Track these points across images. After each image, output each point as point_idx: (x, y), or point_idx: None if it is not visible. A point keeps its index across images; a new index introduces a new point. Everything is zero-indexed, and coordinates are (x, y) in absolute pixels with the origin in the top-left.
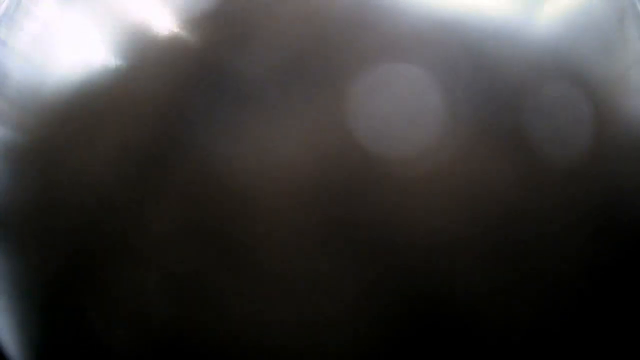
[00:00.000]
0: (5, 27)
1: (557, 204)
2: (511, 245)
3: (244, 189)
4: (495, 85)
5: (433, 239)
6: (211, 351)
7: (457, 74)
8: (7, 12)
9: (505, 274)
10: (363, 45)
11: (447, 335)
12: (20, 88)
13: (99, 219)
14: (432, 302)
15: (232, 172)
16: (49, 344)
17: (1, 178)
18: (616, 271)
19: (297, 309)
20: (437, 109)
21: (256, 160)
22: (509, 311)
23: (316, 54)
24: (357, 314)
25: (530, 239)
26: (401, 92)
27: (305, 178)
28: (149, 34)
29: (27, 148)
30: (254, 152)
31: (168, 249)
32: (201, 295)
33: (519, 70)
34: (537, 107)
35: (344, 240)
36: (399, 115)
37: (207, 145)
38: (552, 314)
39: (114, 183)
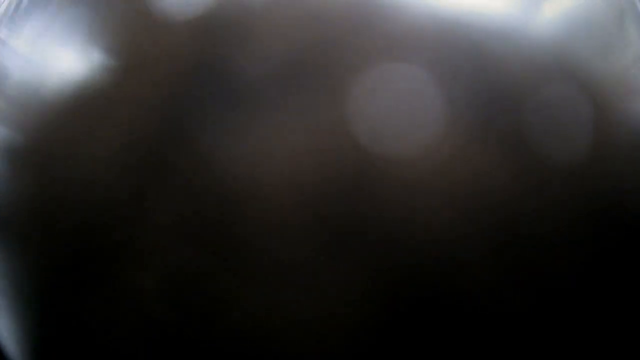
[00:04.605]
0: (5, 27)
1: (557, 203)
2: (511, 243)
3: (244, 189)
4: (496, 85)
5: (433, 237)
6: (211, 350)
7: (457, 74)
8: (7, 12)
9: (505, 272)
10: (363, 45)
11: (448, 333)
12: (20, 88)
13: (98, 218)
14: (432, 300)
15: (232, 172)
16: (48, 343)
17: (1, 178)
18: (616, 269)
19: (298, 308)
20: (437, 109)
21: (256, 160)
22: (508, 308)
23: (316, 54)
24: (358, 313)
25: (530, 237)
26: (401, 93)
27: (305, 177)
28: (149, 34)
29: (27, 148)
30: (254, 152)
31: (168, 248)
32: (201, 295)
33: (519, 70)
34: (537, 106)
35: (343, 238)
36: (399, 115)
37: (207, 146)
38: (551, 313)
39: (113, 183)
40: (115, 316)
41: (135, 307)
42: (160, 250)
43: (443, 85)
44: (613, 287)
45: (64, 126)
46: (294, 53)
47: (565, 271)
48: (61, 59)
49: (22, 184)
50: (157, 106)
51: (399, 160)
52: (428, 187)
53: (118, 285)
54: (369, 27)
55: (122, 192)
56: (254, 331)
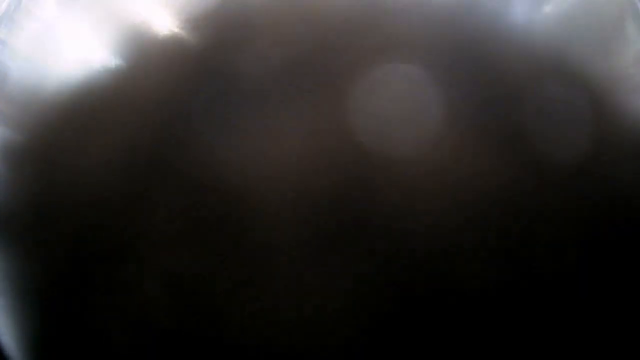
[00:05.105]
0: (5, 27)
1: (557, 203)
2: (512, 244)
3: (245, 190)
4: (495, 85)
5: (434, 237)
6: (212, 351)
7: (457, 74)
8: (7, 12)
9: (506, 273)
10: (363, 46)
11: (448, 334)
12: (20, 88)
13: (98, 218)
14: (431, 299)
15: (233, 173)
16: (48, 344)
17: (1, 178)
18: (615, 270)
19: (299, 309)
20: (437, 109)
21: (257, 161)
22: (509, 309)
23: (317, 54)
24: (358, 314)
25: (531, 238)
26: (402, 93)
27: (306, 178)
28: (149, 34)
29: (27, 148)
30: (255, 153)
31: (169, 249)
32: (202, 295)
33: (518, 70)
34: (536, 106)
35: (344, 239)
36: (400, 115)
37: (208, 146)
38: (551, 313)
39: (114, 183)
40: (116, 316)
41: (135, 307)
42: (162, 252)
43: (443, 85)
44: (613, 286)
45: (64, 126)
46: (295, 54)
47: (567, 270)
48: (61, 59)
49: (22, 184)
50: (157, 106)
51: (399, 159)
52: (427, 186)
53: (118, 285)
54: (369, 27)
55: (123, 192)
56: (256, 332)
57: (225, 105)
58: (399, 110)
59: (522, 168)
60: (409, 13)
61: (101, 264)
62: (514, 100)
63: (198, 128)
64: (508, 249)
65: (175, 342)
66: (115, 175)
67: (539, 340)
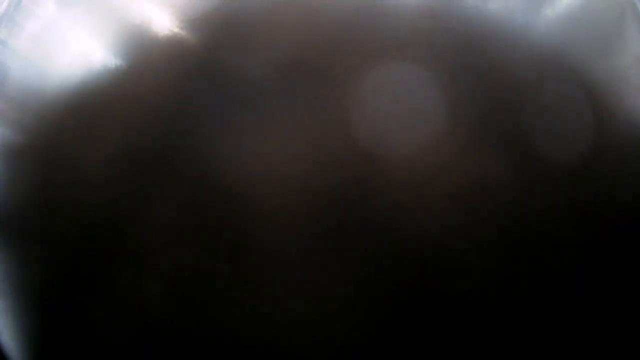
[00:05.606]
0: (5, 27)
1: (557, 203)
2: (512, 244)
3: (244, 189)
4: (496, 85)
5: (433, 236)
6: (212, 351)
7: (458, 74)
8: (7, 12)
9: (506, 274)
10: (363, 46)
11: (448, 334)
12: (20, 88)
13: (99, 218)
14: (431, 299)
15: (233, 173)
16: (48, 344)
17: (1, 178)
18: (615, 271)
19: (298, 309)
20: (438, 109)
21: (257, 161)
22: (509, 310)
23: (317, 54)
24: (359, 314)
25: (532, 238)
26: (402, 92)
27: (306, 177)
28: (149, 34)
29: (27, 148)
30: (255, 153)
31: (168, 248)
32: (201, 295)
33: (519, 70)
34: (537, 106)
35: (345, 239)
36: (400, 115)
37: (208, 146)
38: (550, 312)
39: (113, 183)
40: (116, 316)
41: (135, 307)
42: (161, 251)
43: (443, 85)
44: (613, 286)
45: (64, 126)
46: (294, 54)
47: (567, 270)
48: (61, 59)
49: (22, 185)
50: (157, 106)
51: (399, 159)
52: (428, 186)
53: (118, 285)
54: (370, 27)
55: (122, 192)
56: (256, 331)
57: (225, 104)
58: (400, 110)
59: (523, 168)
60: (410, 13)
61: (101, 264)
62: (515, 100)
63: (198, 128)
64: (509, 249)
65: (175, 342)
66: (115, 175)
67: (540, 340)
